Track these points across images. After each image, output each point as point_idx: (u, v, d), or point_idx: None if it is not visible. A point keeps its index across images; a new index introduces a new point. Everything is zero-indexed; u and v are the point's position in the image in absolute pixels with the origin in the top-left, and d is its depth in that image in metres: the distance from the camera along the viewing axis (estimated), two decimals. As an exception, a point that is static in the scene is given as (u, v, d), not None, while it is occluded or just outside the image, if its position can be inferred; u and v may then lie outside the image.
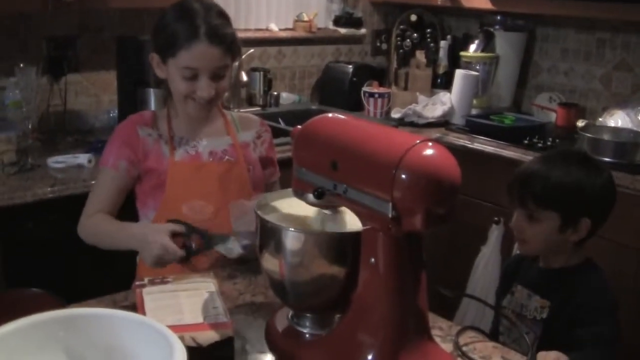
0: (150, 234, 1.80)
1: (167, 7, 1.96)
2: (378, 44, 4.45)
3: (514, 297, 2.01)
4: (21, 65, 2.83)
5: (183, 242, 1.81)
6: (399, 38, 4.21)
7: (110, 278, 1.89)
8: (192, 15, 1.88)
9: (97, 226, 1.95)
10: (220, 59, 1.91)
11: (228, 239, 1.83)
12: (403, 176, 1.19)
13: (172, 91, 1.99)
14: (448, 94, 3.81)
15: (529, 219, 1.91)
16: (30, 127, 2.83)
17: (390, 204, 1.20)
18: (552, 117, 3.73)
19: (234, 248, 1.83)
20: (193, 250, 1.82)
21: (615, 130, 3.31)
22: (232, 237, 1.82)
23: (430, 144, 1.24)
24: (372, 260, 1.28)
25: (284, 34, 3.99)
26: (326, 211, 1.44)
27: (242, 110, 3.41)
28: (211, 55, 1.89)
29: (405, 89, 4.04)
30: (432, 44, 4.18)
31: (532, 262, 2.03)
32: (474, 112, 3.78)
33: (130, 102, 2.98)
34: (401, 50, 4.19)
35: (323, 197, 1.34)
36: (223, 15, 1.95)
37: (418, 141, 1.23)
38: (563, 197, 1.86)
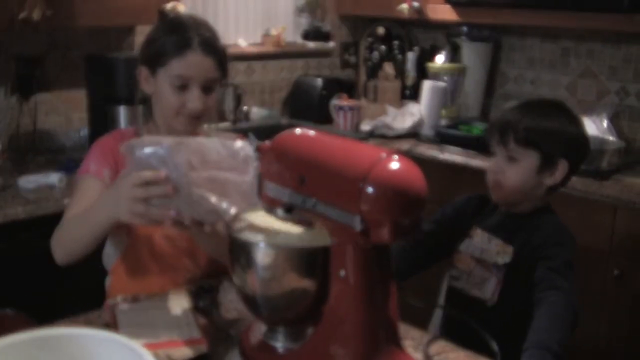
0: (118, 182, 1.59)
1: (157, 23, 1.93)
2: (346, 57, 4.48)
3: (472, 241, 2.04)
4: (-11, 85, 2.83)
5: None
6: (367, 51, 4.25)
7: (83, 298, 1.88)
8: (184, 28, 1.86)
9: (66, 227, 1.78)
10: (212, 70, 1.87)
11: None
12: (370, 189, 1.21)
13: (159, 106, 1.92)
14: (417, 105, 3.84)
15: (508, 160, 1.97)
16: (0, 147, 2.82)
17: (358, 217, 1.22)
18: (520, 125, 3.75)
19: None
20: None
21: (582, 137, 3.35)
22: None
23: (396, 157, 1.26)
24: (342, 272, 1.30)
25: (252, 49, 4.01)
26: (302, 227, 1.46)
27: (212, 126, 3.41)
28: (204, 65, 1.85)
29: (375, 101, 4.07)
30: (399, 56, 4.22)
31: (494, 208, 2.08)
32: (443, 122, 3.81)
33: (100, 120, 2.98)
34: (369, 63, 4.23)
35: (292, 212, 1.36)
36: (214, 31, 1.92)
37: (384, 155, 1.25)
38: (543, 136, 1.94)
